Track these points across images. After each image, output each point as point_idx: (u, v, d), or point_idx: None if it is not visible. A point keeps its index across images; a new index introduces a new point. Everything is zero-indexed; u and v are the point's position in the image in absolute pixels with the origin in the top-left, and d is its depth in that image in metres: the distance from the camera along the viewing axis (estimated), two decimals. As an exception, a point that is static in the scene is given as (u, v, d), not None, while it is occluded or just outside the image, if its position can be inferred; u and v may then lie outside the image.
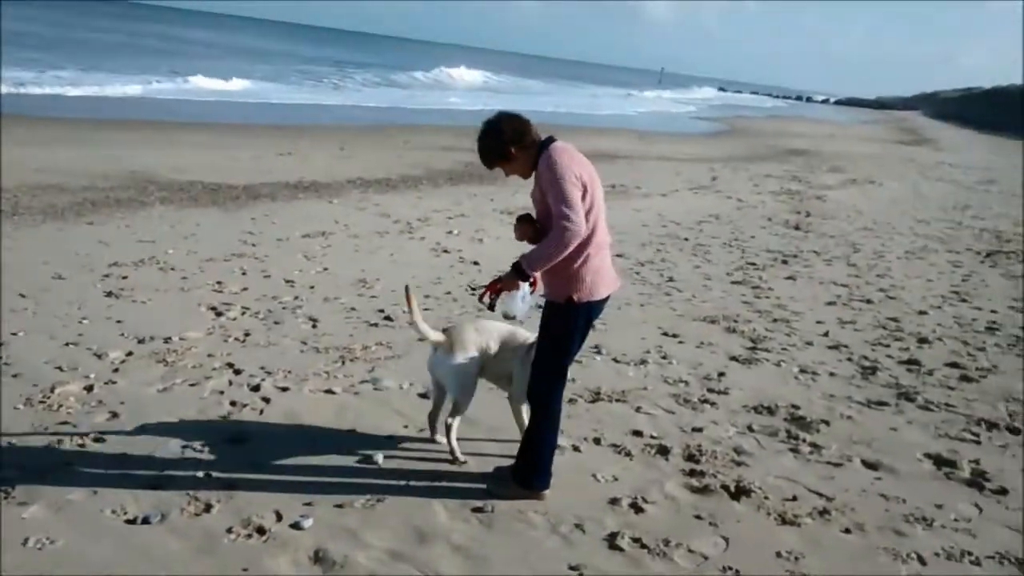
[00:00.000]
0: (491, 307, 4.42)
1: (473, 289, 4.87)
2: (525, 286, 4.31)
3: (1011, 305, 9.92)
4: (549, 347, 4.40)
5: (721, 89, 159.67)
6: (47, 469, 4.37)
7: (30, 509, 3.99)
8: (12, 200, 10.58)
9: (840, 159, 28.90)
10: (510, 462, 4.63)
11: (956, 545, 4.45)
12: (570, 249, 4.06)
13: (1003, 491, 5.13)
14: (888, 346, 7.90)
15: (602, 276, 4.30)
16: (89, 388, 5.45)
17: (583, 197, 4.09)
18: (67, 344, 6.19)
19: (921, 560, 4.29)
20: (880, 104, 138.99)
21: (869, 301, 9.56)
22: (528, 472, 4.53)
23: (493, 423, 5.36)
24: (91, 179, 12.48)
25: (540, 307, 4.45)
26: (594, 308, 4.34)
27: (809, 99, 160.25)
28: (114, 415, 5.10)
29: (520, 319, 4.49)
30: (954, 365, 7.49)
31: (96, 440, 4.75)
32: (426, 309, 7.79)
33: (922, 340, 8.16)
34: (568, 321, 4.31)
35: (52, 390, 5.34)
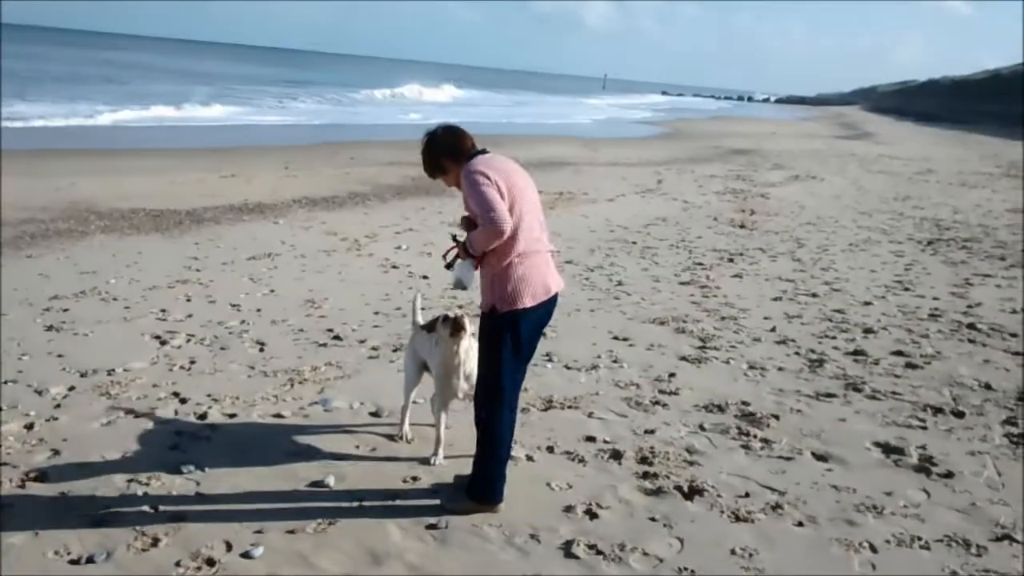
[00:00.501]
0: (448, 266, 4.48)
1: (454, 238, 4.81)
2: (470, 260, 4.33)
3: (952, 291, 10.12)
4: (482, 359, 4.43)
5: (664, 93, 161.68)
6: (-14, 513, 4.26)
7: (-31, 555, 3.88)
8: (-54, 237, 10.33)
9: (782, 156, 29.33)
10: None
11: (906, 531, 4.52)
12: (497, 241, 4.11)
13: (950, 475, 5.22)
14: (834, 338, 8.01)
15: (528, 284, 4.26)
16: (29, 426, 5.31)
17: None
18: (6, 382, 6.03)
19: (873, 548, 4.35)
20: (820, 101, 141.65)
21: (815, 295, 9.69)
22: (480, 486, 4.51)
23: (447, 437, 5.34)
24: (30, 211, 12.20)
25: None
26: (521, 318, 4.28)
27: (751, 99, 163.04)
28: (56, 452, 4.97)
29: (467, 288, 4.41)
30: (899, 353, 7.62)
31: (37, 480, 4.63)
32: (375, 326, 7.75)
33: (867, 330, 8.29)
34: (494, 331, 4.30)
35: (-9, 430, 5.20)
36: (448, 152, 4.36)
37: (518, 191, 4.22)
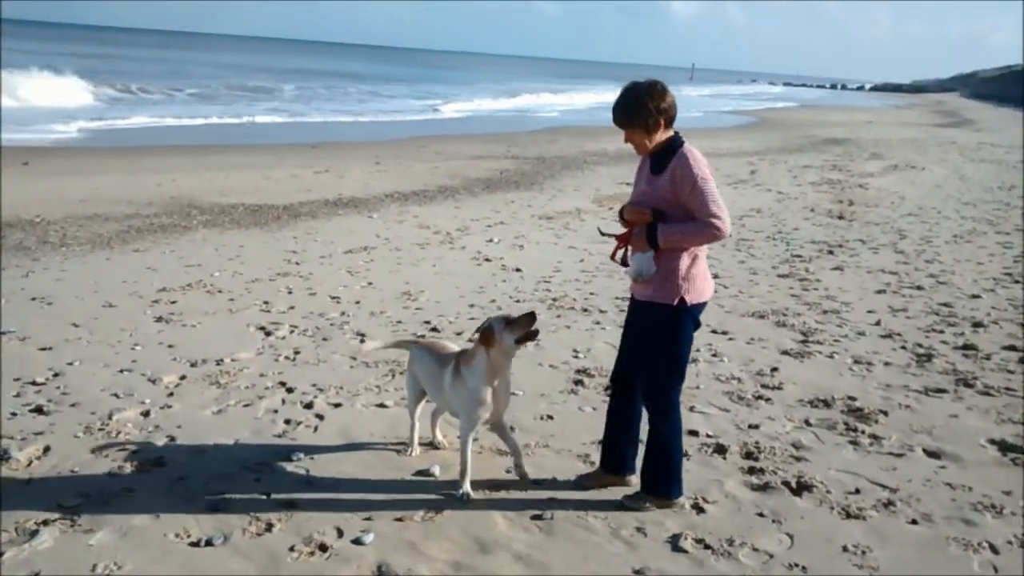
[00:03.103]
0: (623, 263, 4.35)
1: (603, 233, 4.76)
2: (650, 252, 4.15)
3: (1067, 284, 9.69)
4: (668, 353, 4.29)
5: (754, 81, 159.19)
6: (110, 495, 4.42)
7: (96, 536, 4.03)
8: (60, 231, 10.77)
9: (879, 146, 28.55)
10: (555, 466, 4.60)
11: (1029, 533, 4.35)
12: (702, 244, 4.14)
13: (1074, 475, 5.00)
14: (942, 332, 7.76)
15: (707, 279, 4.30)
16: (146, 413, 5.51)
17: None
18: (122, 371, 6.26)
19: (994, 549, 4.20)
20: (916, 88, 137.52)
21: (919, 287, 9.40)
22: (664, 482, 4.47)
23: (546, 430, 5.36)
24: (134, 207, 12.65)
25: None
26: (699, 311, 4.29)
27: (844, 87, 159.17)
28: (172, 439, 5.15)
29: (646, 280, 4.21)
30: (1012, 348, 7.34)
31: (156, 465, 4.80)
32: (471, 318, 7.80)
33: (977, 324, 8.01)
34: (679, 323, 4.23)
35: (110, 417, 5.40)
36: (667, 114, 4.20)
37: None
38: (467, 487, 4.54)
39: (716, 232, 4.03)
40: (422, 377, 4.91)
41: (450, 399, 4.65)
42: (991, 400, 6.18)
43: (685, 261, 4.17)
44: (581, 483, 4.70)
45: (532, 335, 4.42)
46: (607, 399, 5.79)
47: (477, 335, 4.54)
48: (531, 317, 4.42)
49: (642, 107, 4.15)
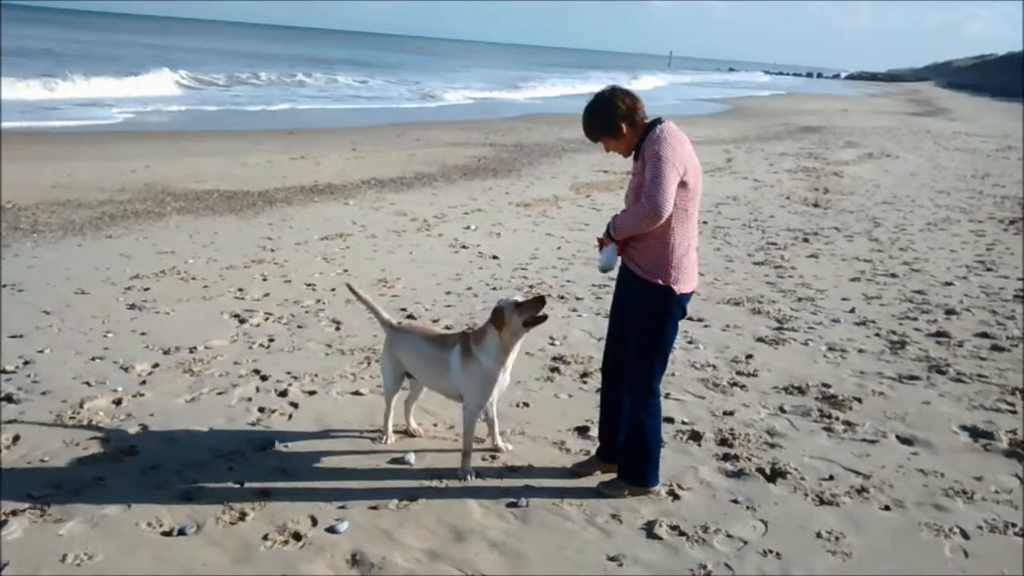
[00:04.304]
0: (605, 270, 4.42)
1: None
2: (612, 244, 4.24)
3: (1038, 272, 9.80)
4: (652, 337, 4.30)
5: (731, 70, 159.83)
6: (81, 485, 4.37)
7: (67, 525, 3.99)
8: (32, 217, 10.63)
9: (855, 134, 28.70)
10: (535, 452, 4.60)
11: (999, 517, 4.39)
12: (644, 227, 4.04)
13: (1043, 461, 5.06)
14: (916, 319, 7.82)
15: (695, 270, 4.31)
16: (118, 402, 5.45)
17: (684, 186, 4.05)
18: (93, 359, 6.19)
19: (964, 534, 4.24)
20: (891, 77, 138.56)
21: (893, 275, 9.47)
22: (641, 469, 4.47)
23: (522, 417, 5.35)
24: (108, 193, 12.51)
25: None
26: (686, 300, 4.29)
27: (820, 75, 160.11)
28: (144, 427, 5.10)
29: (612, 271, 4.34)
30: (984, 335, 7.41)
31: (128, 453, 4.75)
32: (447, 306, 7.78)
33: (950, 312, 8.07)
34: (666, 308, 4.22)
35: (81, 405, 5.35)
36: (627, 116, 4.22)
37: (696, 178, 4.16)
38: (470, 466, 4.62)
39: (646, 213, 3.95)
40: (412, 362, 4.87)
41: (457, 381, 4.64)
42: (963, 387, 6.24)
43: (678, 251, 4.16)
44: (577, 471, 4.71)
45: (540, 319, 4.46)
46: (583, 386, 5.85)
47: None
48: (540, 301, 4.47)
49: (600, 121, 4.29)
